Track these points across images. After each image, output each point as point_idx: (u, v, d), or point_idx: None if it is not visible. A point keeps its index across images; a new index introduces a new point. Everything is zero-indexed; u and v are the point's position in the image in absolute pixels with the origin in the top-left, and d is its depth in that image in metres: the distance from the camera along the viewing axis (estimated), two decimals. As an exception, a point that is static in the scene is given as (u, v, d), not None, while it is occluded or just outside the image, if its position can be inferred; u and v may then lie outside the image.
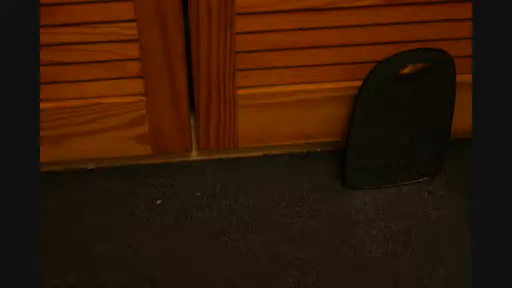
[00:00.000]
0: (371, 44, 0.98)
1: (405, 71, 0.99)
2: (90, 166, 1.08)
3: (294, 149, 1.10)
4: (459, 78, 1.00)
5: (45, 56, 0.93)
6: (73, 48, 0.93)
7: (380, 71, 0.98)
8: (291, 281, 0.95)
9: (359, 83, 1.00)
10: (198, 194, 1.05)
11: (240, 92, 1.01)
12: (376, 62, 0.98)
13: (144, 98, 0.99)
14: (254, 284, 0.95)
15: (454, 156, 1.07)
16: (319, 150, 1.11)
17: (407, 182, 1.06)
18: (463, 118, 1.04)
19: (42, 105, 0.98)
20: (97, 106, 0.99)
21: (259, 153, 1.10)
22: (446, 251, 0.98)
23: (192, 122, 1.05)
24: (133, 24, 0.92)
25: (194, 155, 1.09)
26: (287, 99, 1.02)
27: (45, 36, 0.91)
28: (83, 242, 0.99)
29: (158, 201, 1.04)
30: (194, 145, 1.07)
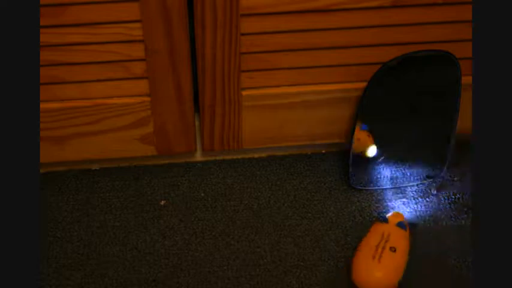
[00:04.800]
0: (376, 45, 0.98)
1: (410, 72, 0.99)
2: (95, 167, 1.08)
3: (298, 150, 1.10)
4: (464, 80, 1.00)
5: (50, 56, 0.93)
6: (78, 49, 0.93)
7: (384, 72, 0.98)
8: (295, 282, 0.95)
9: (364, 84, 1.00)
10: (202, 194, 1.05)
11: (244, 92, 1.01)
12: (381, 64, 0.98)
13: (148, 99, 0.99)
14: (258, 286, 0.94)
15: (459, 157, 1.07)
16: (323, 151, 1.11)
17: (411, 183, 1.06)
18: (468, 120, 1.03)
19: (47, 105, 0.98)
20: (102, 106, 1.00)
21: (264, 154, 1.10)
22: (450, 251, 0.98)
23: (197, 123, 1.05)
24: (139, 24, 0.92)
25: (198, 156, 1.09)
26: (292, 100, 1.02)
27: (51, 36, 0.92)
28: (87, 242, 0.99)
29: (162, 202, 1.04)
30: (199, 146, 1.07)
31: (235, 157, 1.10)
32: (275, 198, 1.05)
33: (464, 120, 1.03)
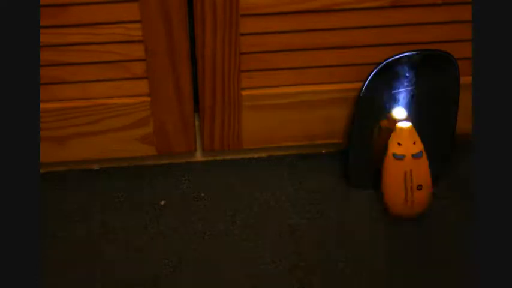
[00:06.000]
0: (376, 45, 0.98)
1: (408, 73, 0.99)
2: (95, 167, 1.08)
3: (298, 150, 1.10)
4: (463, 80, 1.00)
5: (50, 56, 0.94)
6: (78, 49, 0.94)
7: (382, 71, 0.98)
8: (295, 282, 0.95)
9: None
10: (203, 194, 1.05)
11: (244, 93, 1.01)
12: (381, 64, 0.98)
13: (148, 99, 1.00)
14: (258, 286, 0.95)
15: (458, 158, 1.07)
16: (323, 151, 1.11)
17: (411, 184, 1.06)
18: (467, 121, 1.04)
19: (48, 105, 0.98)
20: (102, 107, 1.00)
21: (264, 154, 1.10)
22: (450, 252, 0.98)
23: (197, 123, 1.05)
24: (139, 25, 0.92)
25: (198, 156, 1.09)
26: (291, 101, 1.02)
27: (51, 36, 0.92)
28: (87, 242, 0.99)
29: (163, 202, 1.04)
30: (198, 146, 1.07)
31: (234, 157, 1.10)
32: (275, 198, 1.05)
33: (464, 120, 1.03)
